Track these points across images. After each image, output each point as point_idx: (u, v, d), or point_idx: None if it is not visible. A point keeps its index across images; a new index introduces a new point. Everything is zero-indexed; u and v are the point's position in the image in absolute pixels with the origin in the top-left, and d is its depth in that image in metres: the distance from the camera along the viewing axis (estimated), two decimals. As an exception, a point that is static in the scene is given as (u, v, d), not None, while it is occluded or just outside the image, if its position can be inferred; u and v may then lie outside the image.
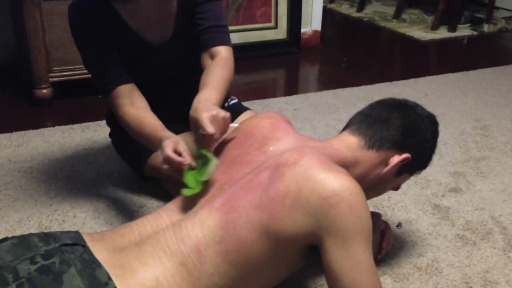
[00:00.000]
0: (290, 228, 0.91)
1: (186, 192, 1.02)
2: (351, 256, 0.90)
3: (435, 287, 1.19)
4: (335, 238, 0.90)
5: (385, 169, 1.09)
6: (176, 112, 1.46)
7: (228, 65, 1.27)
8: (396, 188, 1.19)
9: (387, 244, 1.23)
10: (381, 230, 1.22)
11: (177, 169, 1.05)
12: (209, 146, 1.06)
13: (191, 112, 1.10)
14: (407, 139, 1.09)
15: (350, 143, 1.08)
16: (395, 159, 1.09)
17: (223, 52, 1.30)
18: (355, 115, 1.14)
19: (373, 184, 1.12)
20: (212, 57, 1.30)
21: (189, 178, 1.04)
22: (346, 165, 1.01)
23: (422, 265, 1.26)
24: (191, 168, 1.05)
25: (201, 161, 1.06)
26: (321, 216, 0.90)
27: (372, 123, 1.09)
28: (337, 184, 0.91)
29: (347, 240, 0.90)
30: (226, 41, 1.32)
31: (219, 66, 1.25)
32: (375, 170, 1.10)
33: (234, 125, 1.14)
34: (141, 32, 1.32)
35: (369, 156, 1.08)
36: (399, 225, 1.31)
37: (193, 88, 1.50)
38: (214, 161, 1.04)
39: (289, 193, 0.91)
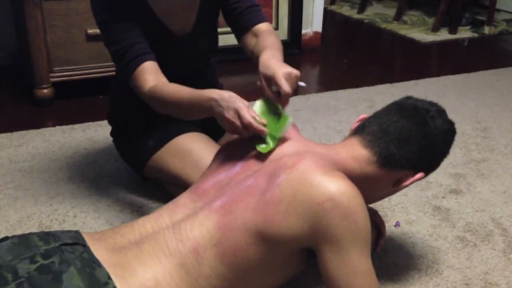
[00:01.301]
0: (285, 232, 0.90)
1: (261, 149, 1.02)
2: (348, 262, 0.88)
3: (435, 289, 1.19)
4: (331, 244, 0.89)
5: (395, 187, 1.06)
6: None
7: (275, 35, 1.30)
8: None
9: (383, 241, 1.20)
10: (377, 227, 1.19)
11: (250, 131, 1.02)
12: (283, 103, 1.06)
13: (262, 69, 1.09)
14: (424, 159, 1.05)
15: (360, 156, 1.02)
16: (409, 179, 1.04)
17: (265, 27, 1.33)
18: (370, 121, 1.06)
19: (376, 198, 1.11)
20: (256, 35, 1.32)
21: (269, 134, 1.03)
22: (352, 178, 0.95)
23: (423, 266, 1.26)
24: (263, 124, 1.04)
25: (274, 117, 1.06)
26: (316, 222, 0.88)
27: (389, 140, 1.01)
28: (332, 188, 0.89)
29: (343, 246, 0.88)
30: (264, 18, 1.36)
31: (268, 36, 1.27)
32: (383, 186, 1.06)
33: (302, 83, 1.13)
34: (165, 20, 1.33)
35: (379, 173, 1.03)
36: (396, 224, 1.30)
37: (203, 84, 1.51)
38: (289, 118, 1.05)
39: (285, 198, 0.90)
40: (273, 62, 1.09)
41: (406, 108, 1.06)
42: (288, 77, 1.05)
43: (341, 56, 2.98)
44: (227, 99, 1.03)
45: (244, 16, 1.34)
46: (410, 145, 1.02)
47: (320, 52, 2.98)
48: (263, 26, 1.33)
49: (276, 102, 1.07)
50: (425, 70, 2.75)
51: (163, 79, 1.24)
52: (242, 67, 2.50)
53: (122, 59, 1.26)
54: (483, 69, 2.67)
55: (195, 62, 1.45)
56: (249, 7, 1.35)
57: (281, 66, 1.08)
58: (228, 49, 2.48)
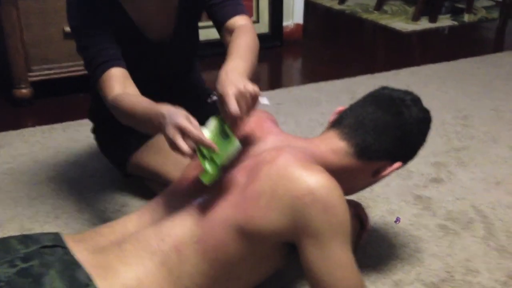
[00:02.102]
0: (266, 227, 0.90)
1: (204, 178, 0.91)
2: (328, 255, 0.89)
3: (417, 277, 1.20)
4: (311, 238, 0.89)
5: (374, 178, 1.07)
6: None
7: (249, 32, 1.20)
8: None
9: (366, 234, 1.21)
10: (361, 221, 1.20)
11: (193, 142, 0.91)
12: (233, 127, 0.96)
13: (217, 85, 0.98)
14: (401, 149, 1.06)
15: (338, 149, 1.02)
16: (388, 169, 1.05)
17: (240, 21, 1.25)
18: (347, 113, 1.07)
19: (356, 189, 1.11)
20: (230, 31, 1.24)
21: (203, 161, 0.92)
22: (331, 171, 0.95)
23: (405, 255, 1.28)
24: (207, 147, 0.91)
25: (222, 140, 0.94)
26: (296, 216, 0.89)
27: (365, 131, 1.02)
28: (311, 182, 0.89)
29: (323, 239, 0.89)
30: (240, 11, 1.27)
31: (239, 35, 1.19)
32: (362, 177, 1.07)
33: (265, 101, 1.02)
34: (143, 27, 1.31)
35: (358, 165, 1.03)
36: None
37: (186, 87, 1.50)
38: (236, 144, 0.93)
39: (265, 192, 0.90)
40: (228, 78, 0.98)
41: (381, 99, 1.07)
42: (240, 95, 0.94)
43: (323, 47, 2.98)
44: (172, 114, 0.93)
45: (219, 10, 1.28)
46: (387, 136, 1.03)
47: (302, 44, 2.98)
48: (239, 20, 1.26)
49: (227, 122, 0.96)
50: (407, 59, 2.77)
51: (130, 88, 1.18)
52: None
53: (90, 64, 1.22)
54: (463, 57, 2.69)
55: (176, 65, 1.43)
56: (224, 0, 1.28)
57: (236, 83, 0.96)
58: (211, 43, 2.46)
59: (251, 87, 0.96)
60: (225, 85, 0.96)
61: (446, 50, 2.95)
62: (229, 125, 0.96)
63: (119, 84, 1.18)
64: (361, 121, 1.04)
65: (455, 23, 3.36)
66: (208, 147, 0.90)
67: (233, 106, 0.92)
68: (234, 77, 0.98)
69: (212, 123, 0.98)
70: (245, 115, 0.96)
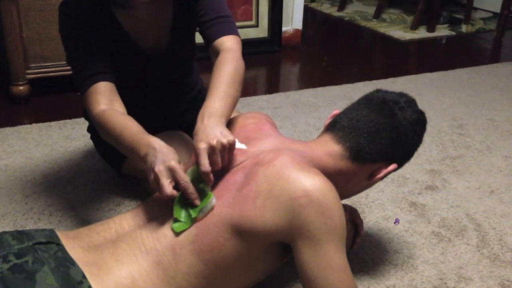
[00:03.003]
0: (261, 227, 0.90)
1: (176, 228, 0.94)
2: (323, 257, 0.89)
3: (410, 283, 1.21)
4: (306, 239, 0.89)
5: (370, 180, 1.07)
6: (161, 119, 1.45)
7: (232, 59, 1.17)
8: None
9: (359, 239, 1.22)
10: (355, 226, 1.20)
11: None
12: (207, 179, 0.96)
13: (193, 135, 1.00)
14: (395, 151, 1.05)
15: (333, 152, 1.03)
16: (383, 171, 1.05)
17: (227, 43, 1.21)
18: (341, 117, 1.07)
19: (352, 192, 1.12)
20: (217, 52, 1.21)
21: (179, 209, 0.95)
22: (327, 174, 0.96)
23: (398, 261, 1.28)
24: (183, 197, 0.95)
25: (199, 192, 0.95)
26: (291, 217, 0.89)
27: (359, 134, 1.02)
28: (307, 184, 0.89)
29: (318, 241, 0.89)
30: (229, 30, 1.24)
31: (221, 65, 1.15)
32: (358, 180, 1.07)
33: (242, 146, 1.03)
34: (136, 37, 1.29)
35: (353, 168, 1.04)
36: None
37: (182, 90, 1.49)
38: (211, 199, 0.94)
39: (261, 192, 0.91)
40: (204, 128, 0.98)
41: (375, 102, 1.07)
42: (212, 151, 0.95)
43: (321, 53, 2.99)
44: (165, 153, 0.96)
45: (208, 28, 1.24)
46: (381, 138, 1.03)
47: (301, 50, 2.99)
48: (226, 41, 1.21)
49: (203, 177, 0.96)
50: (404, 67, 2.78)
51: (116, 104, 1.16)
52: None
53: (78, 77, 1.20)
54: (460, 67, 2.71)
55: (171, 73, 1.42)
56: (213, 18, 1.24)
57: (210, 135, 0.96)
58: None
59: (225, 140, 0.96)
60: (197, 139, 0.97)
61: (443, 60, 2.97)
62: (204, 178, 0.96)
63: (106, 98, 1.16)
64: (354, 124, 1.04)
65: (453, 33, 3.39)
66: (191, 198, 0.94)
67: (203, 163, 0.94)
68: (210, 127, 0.98)
69: (192, 171, 0.99)
70: (218, 167, 0.97)
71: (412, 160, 1.15)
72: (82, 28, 1.21)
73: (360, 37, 3.45)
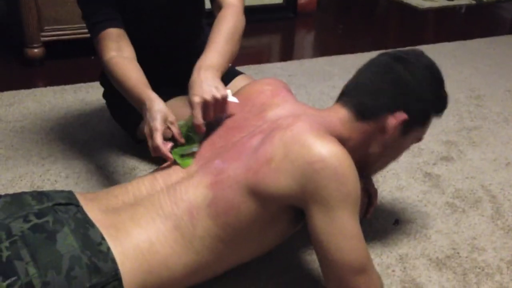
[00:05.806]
0: (275, 190, 0.91)
1: (182, 164, 1.03)
2: (336, 223, 0.90)
3: (423, 253, 1.21)
4: (319, 205, 0.90)
5: (386, 136, 1.04)
6: (170, 77, 1.44)
7: (233, 14, 1.19)
8: (419, 139, 1.12)
9: (373, 209, 1.20)
10: (369, 195, 1.19)
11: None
12: (198, 130, 1.04)
13: (188, 86, 1.06)
14: (398, 99, 1.03)
15: (342, 117, 1.03)
16: (391, 122, 1.02)
17: (229, 0, 1.23)
18: (348, 83, 1.09)
19: (380, 153, 1.08)
20: (219, 7, 1.22)
21: (176, 153, 1.05)
22: (342, 139, 0.97)
23: (411, 231, 1.28)
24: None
25: (187, 138, 1.06)
26: (305, 181, 0.89)
27: (361, 94, 1.04)
28: (323, 150, 0.90)
29: (331, 207, 0.89)
30: None
31: (222, 19, 1.18)
32: (374, 139, 1.05)
33: (234, 99, 1.07)
34: None
35: (362, 128, 1.03)
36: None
37: (192, 54, 1.48)
38: (194, 146, 1.04)
39: (276, 156, 0.91)
40: (199, 81, 1.04)
41: (378, 62, 1.07)
42: (206, 105, 1.02)
43: (336, 21, 2.94)
44: (152, 112, 1.06)
45: None
46: (381, 92, 1.03)
47: (316, 17, 2.94)
48: None
49: (195, 128, 1.05)
50: (421, 36, 2.73)
51: (126, 49, 1.21)
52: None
53: (88, 21, 1.24)
54: (479, 37, 2.65)
55: (181, 30, 1.41)
56: None
57: (204, 90, 1.03)
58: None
59: (219, 94, 1.03)
60: (193, 93, 1.03)
61: (462, 29, 2.91)
62: (196, 129, 1.05)
63: (116, 43, 1.21)
64: (355, 85, 1.06)
65: (473, 1, 3.30)
66: (164, 157, 1.04)
67: (197, 117, 1.02)
68: (205, 81, 1.04)
69: (188, 120, 1.08)
70: (211, 119, 1.04)
71: (428, 131, 1.14)
72: None
73: (377, 5, 3.38)
